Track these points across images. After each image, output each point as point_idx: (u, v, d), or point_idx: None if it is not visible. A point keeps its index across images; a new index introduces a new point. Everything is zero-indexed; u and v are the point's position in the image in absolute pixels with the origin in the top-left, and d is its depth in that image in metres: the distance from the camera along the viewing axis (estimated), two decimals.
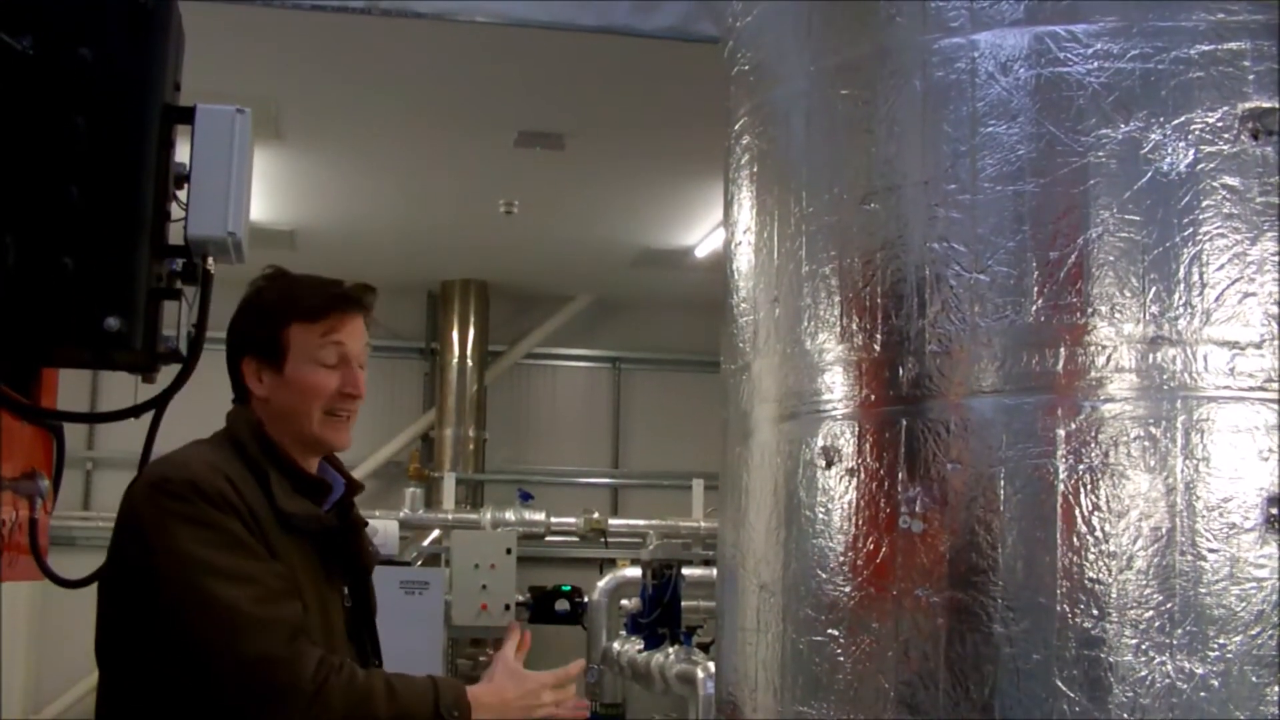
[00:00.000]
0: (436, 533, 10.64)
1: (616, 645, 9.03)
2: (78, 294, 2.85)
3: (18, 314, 2.86)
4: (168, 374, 3.11)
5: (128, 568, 2.60)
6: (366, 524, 2.91)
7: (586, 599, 10.05)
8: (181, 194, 3.03)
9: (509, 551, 9.83)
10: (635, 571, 9.34)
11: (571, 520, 10.78)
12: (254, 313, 2.79)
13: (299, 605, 2.50)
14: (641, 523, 11.02)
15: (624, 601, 9.66)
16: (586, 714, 2.73)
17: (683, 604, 8.44)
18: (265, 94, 7.28)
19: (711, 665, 6.81)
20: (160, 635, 2.50)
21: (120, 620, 2.61)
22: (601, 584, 9.93)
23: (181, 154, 3.02)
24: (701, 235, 9.92)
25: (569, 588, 10.35)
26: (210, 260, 3.07)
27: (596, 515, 10.82)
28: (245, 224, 3.06)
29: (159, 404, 3.15)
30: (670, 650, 7.84)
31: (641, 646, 8.36)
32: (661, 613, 8.33)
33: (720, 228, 3.16)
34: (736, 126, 2.97)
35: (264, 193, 8.94)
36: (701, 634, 8.73)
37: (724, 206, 3.08)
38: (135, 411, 3.16)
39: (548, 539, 10.86)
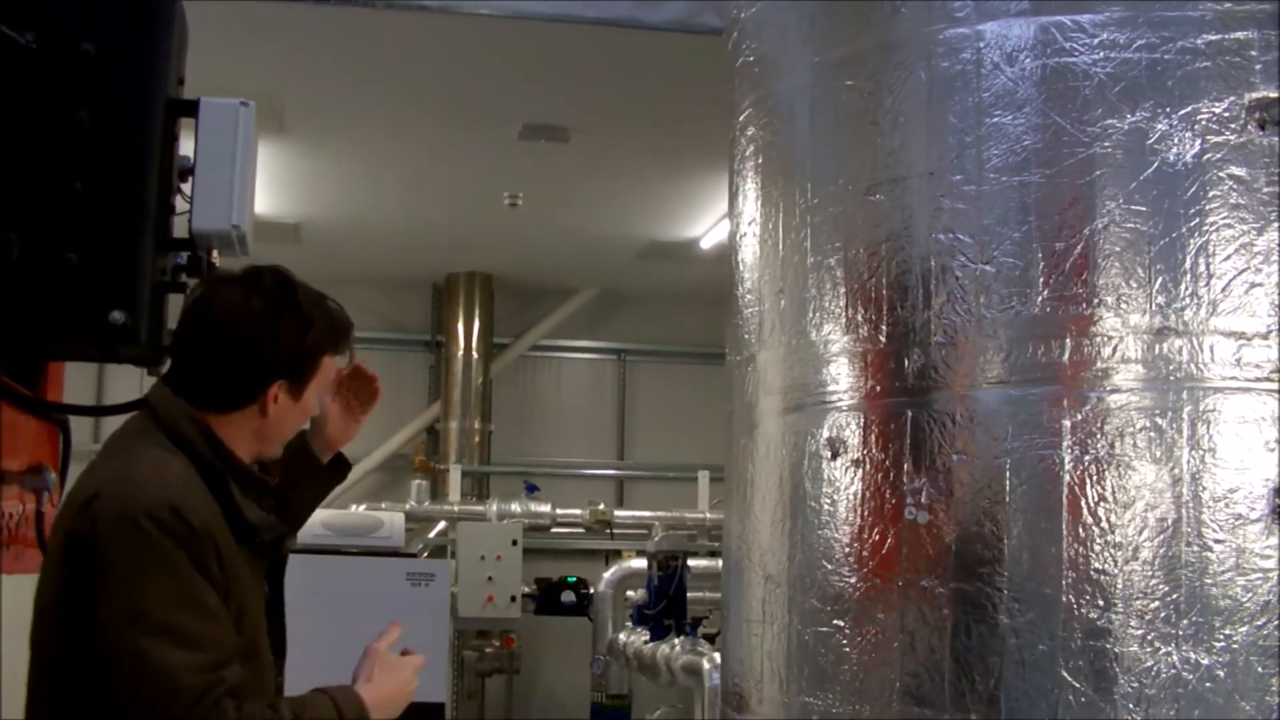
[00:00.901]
0: (442, 525, 10.64)
1: (622, 637, 9.02)
2: (82, 288, 2.85)
3: (23, 308, 2.86)
4: None
5: (76, 591, 2.42)
6: (273, 506, 2.77)
7: (592, 590, 10.05)
8: (186, 187, 3.03)
9: (515, 543, 9.83)
10: (641, 563, 9.34)
11: (577, 512, 10.78)
12: (294, 331, 2.63)
13: (239, 669, 2.38)
14: (647, 514, 11.01)
15: (629, 593, 9.65)
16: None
17: (688, 595, 8.43)
18: (269, 87, 7.26)
19: (717, 656, 6.82)
20: (93, 680, 2.40)
21: (56, 642, 2.47)
22: (607, 575, 9.92)
23: (185, 147, 3.02)
24: (706, 227, 9.90)
25: (575, 579, 10.35)
26: (215, 253, 3.07)
27: (602, 507, 10.82)
28: (249, 217, 3.06)
29: None
30: (676, 641, 7.84)
31: (647, 638, 8.36)
32: (667, 604, 8.33)
33: (725, 220, 3.16)
34: (741, 119, 2.96)
35: (268, 186, 8.93)
36: (707, 625, 8.72)
37: (729, 198, 3.08)
38: (143, 404, 3.16)
39: (553, 531, 10.86)
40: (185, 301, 2.71)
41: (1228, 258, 2.28)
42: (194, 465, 2.54)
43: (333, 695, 2.49)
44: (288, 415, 2.68)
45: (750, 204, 2.90)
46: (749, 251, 2.89)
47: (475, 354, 11.56)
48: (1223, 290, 2.27)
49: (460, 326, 11.57)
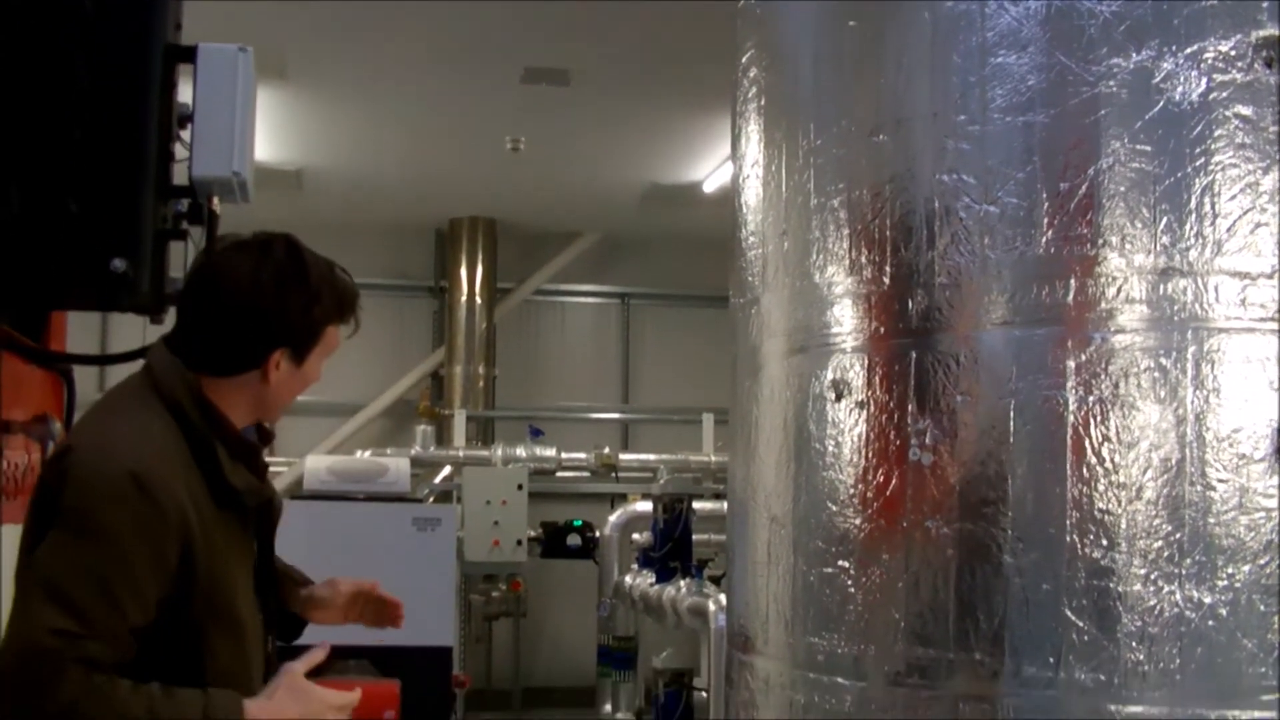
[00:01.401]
0: (448, 470, 10.69)
1: (628, 579, 9.07)
2: (83, 237, 2.85)
3: (23, 258, 2.86)
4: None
5: (33, 539, 2.45)
6: (268, 467, 2.77)
7: (598, 534, 10.11)
8: (185, 135, 3.02)
9: (520, 487, 9.88)
10: (646, 506, 9.38)
11: (582, 456, 10.83)
12: (301, 300, 2.61)
13: (104, 648, 2.33)
14: (652, 457, 11.06)
15: (635, 536, 9.70)
16: None
17: (694, 538, 8.47)
18: (269, 33, 7.23)
19: (723, 598, 6.85)
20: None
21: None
22: (613, 519, 9.97)
23: (184, 94, 3.01)
24: (709, 170, 9.88)
25: (580, 523, 10.41)
26: (216, 200, 3.07)
27: (607, 450, 10.86)
28: (250, 164, 3.06)
29: None
30: (682, 584, 7.88)
31: (653, 580, 8.40)
32: (673, 547, 8.37)
33: (728, 162, 3.15)
34: (743, 60, 2.94)
35: (269, 134, 8.91)
36: (713, 567, 8.78)
37: (731, 141, 3.06)
38: (144, 353, 3.17)
39: (559, 475, 10.92)
40: (193, 265, 2.69)
41: (1233, 197, 2.27)
42: (181, 428, 2.52)
43: (211, 697, 2.40)
44: (289, 382, 2.66)
45: (753, 146, 2.89)
46: (752, 194, 2.88)
47: (479, 299, 11.57)
48: (1228, 230, 2.26)
49: (463, 272, 11.57)
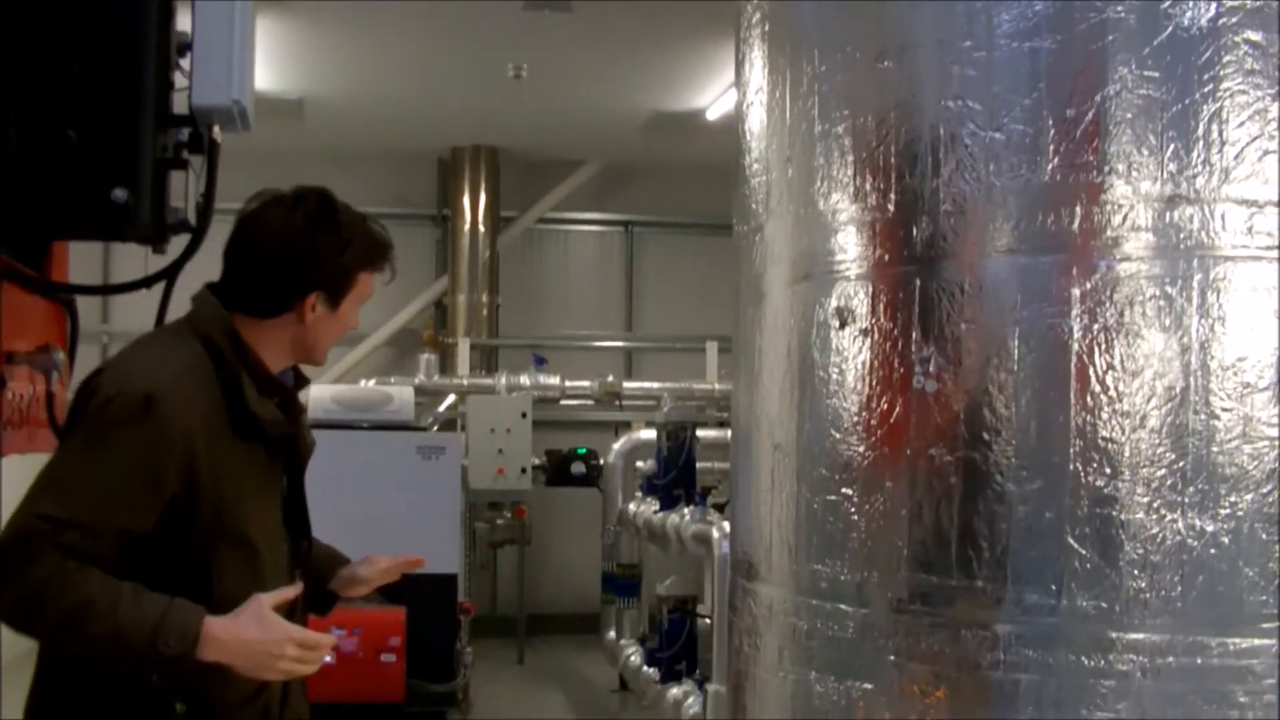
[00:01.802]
0: (452, 398, 10.71)
1: (632, 507, 9.12)
2: (83, 167, 2.84)
3: (24, 188, 2.85)
4: (178, 245, 3.11)
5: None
6: (304, 410, 2.95)
7: (602, 461, 10.14)
8: (185, 63, 3.00)
9: (524, 415, 9.90)
10: (650, 434, 9.41)
11: (586, 384, 10.84)
12: (333, 246, 2.76)
13: (82, 539, 2.47)
14: (656, 386, 11.08)
15: (639, 464, 9.74)
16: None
17: (697, 465, 8.50)
18: None
19: (726, 525, 6.89)
20: None
21: None
22: (617, 447, 10.00)
23: (183, 23, 2.98)
24: (713, 97, 9.82)
25: (584, 450, 10.44)
26: (216, 129, 3.05)
27: (611, 379, 10.87)
28: (250, 92, 3.04)
29: (170, 274, 3.15)
30: (686, 511, 7.92)
31: (657, 508, 8.45)
32: (676, 474, 8.41)
33: (731, 89, 3.12)
34: None
35: (270, 62, 8.85)
36: (716, 495, 8.81)
37: (735, 68, 3.04)
38: (147, 282, 3.16)
39: (562, 403, 10.93)
40: (237, 218, 2.80)
41: (1241, 124, 2.25)
42: (212, 360, 2.67)
43: (174, 604, 2.49)
44: (326, 325, 2.81)
45: (757, 73, 2.87)
46: (756, 121, 2.87)
47: (482, 228, 11.54)
48: (1235, 157, 2.25)
49: (466, 200, 11.54)
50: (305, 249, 2.73)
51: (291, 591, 2.69)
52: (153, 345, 2.76)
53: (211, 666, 2.50)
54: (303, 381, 2.94)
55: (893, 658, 2.42)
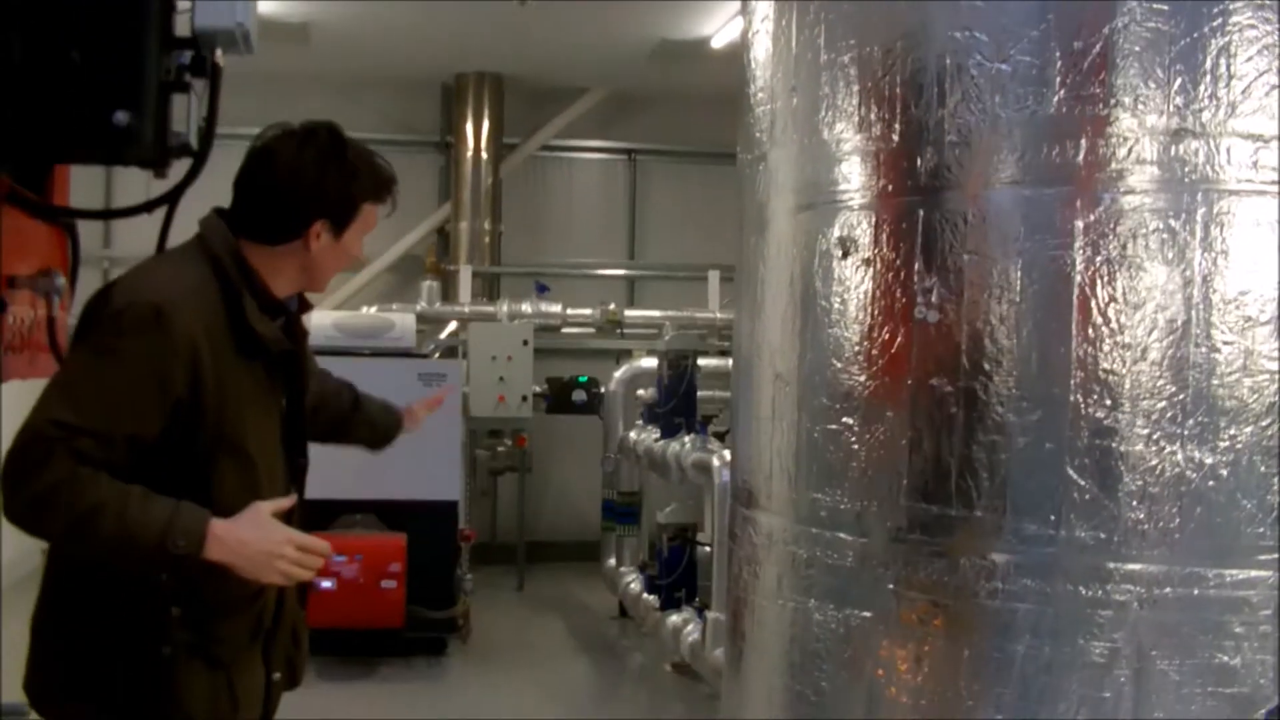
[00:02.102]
0: (453, 325, 10.70)
1: (633, 435, 9.14)
2: (86, 89, 2.83)
3: (26, 111, 2.84)
4: (180, 169, 3.10)
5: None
6: (307, 334, 3.08)
7: (603, 389, 10.15)
8: None
9: (526, 343, 9.90)
10: (651, 362, 9.41)
11: (588, 312, 10.82)
12: (339, 177, 2.85)
13: (95, 445, 2.57)
14: (657, 314, 11.06)
15: (640, 392, 9.75)
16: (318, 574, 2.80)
17: (698, 394, 8.51)
18: None
19: (727, 454, 6.91)
20: None
21: None
22: (618, 375, 10.00)
23: None
24: (719, 25, 9.75)
25: (586, 379, 10.45)
26: (219, 52, 3.04)
27: (613, 307, 10.86)
28: (253, 15, 3.02)
29: (172, 198, 3.15)
30: (686, 439, 7.94)
31: (658, 436, 8.46)
32: (677, 403, 8.42)
33: (737, 17, 3.10)
34: None
35: None
36: (717, 423, 8.83)
37: None
38: (149, 207, 3.16)
39: (564, 331, 10.92)
40: (248, 150, 2.88)
41: (1249, 59, 2.24)
42: (218, 279, 2.77)
43: (181, 507, 2.60)
44: (331, 253, 2.89)
45: (763, 1, 2.85)
46: (761, 49, 2.85)
47: (485, 155, 11.48)
48: (1243, 92, 2.24)
49: (470, 127, 11.47)
50: (313, 181, 2.82)
51: (287, 501, 2.78)
52: (163, 264, 2.87)
53: (213, 570, 2.61)
54: (306, 306, 3.04)
55: (891, 586, 2.44)
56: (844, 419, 2.53)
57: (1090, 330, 2.27)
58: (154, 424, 2.65)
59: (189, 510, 2.60)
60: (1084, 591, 2.27)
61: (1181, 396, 2.24)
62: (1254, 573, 2.23)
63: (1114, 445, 2.26)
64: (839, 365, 2.54)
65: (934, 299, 2.39)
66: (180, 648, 2.72)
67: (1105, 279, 2.27)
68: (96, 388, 2.63)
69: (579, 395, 10.34)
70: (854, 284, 2.52)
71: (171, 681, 2.72)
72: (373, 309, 10.17)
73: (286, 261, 2.86)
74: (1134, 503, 2.25)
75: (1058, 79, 2.30)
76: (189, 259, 2.81)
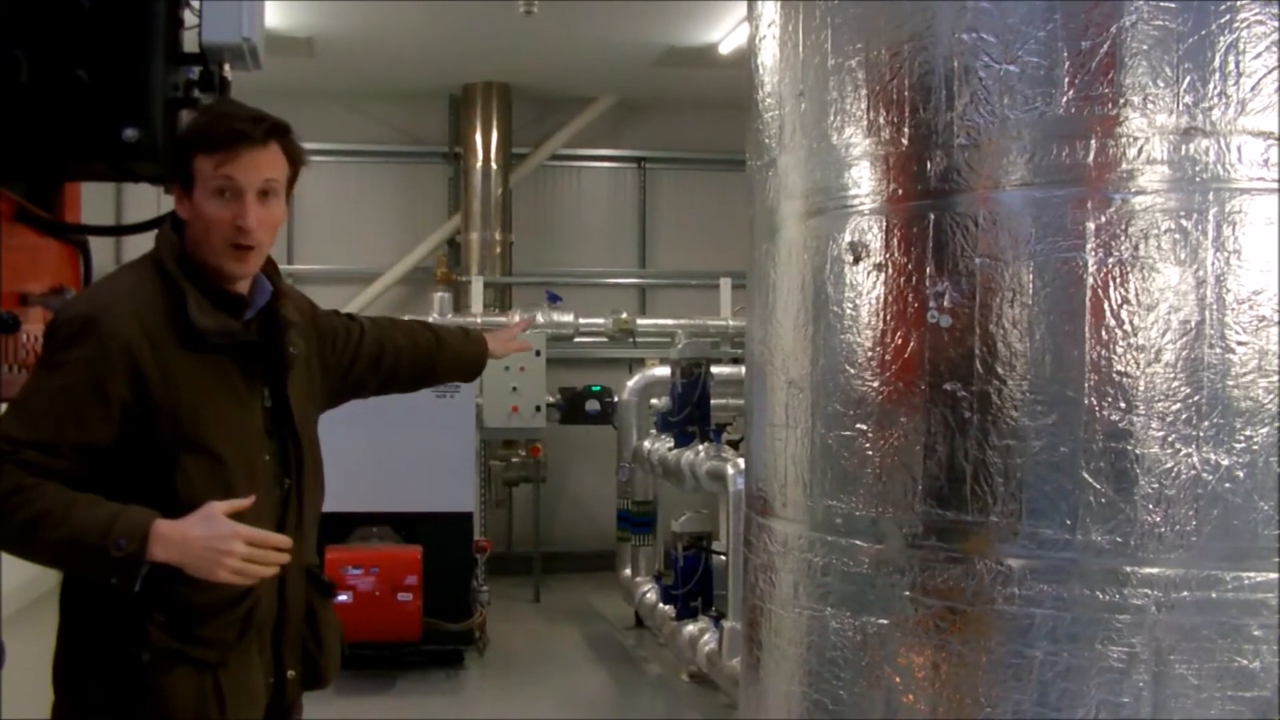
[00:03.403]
0: None
1: (647, 444, 9.13)
2: (94, 105, 2.83)
3: (35, 128, 2.84)
4: None
5: None
6: (292, 323, 2.96)
7: (616, 399, 10.15)
8: (194, 1, 2.99)
9: (538, 353, 9.90)
10: (664, 370, 9.41)
11: (600, 321, 10.82)
12: (175, 142, 2.82)
13: (38, 456, 2.62)
14: (670, 322, 11.06)
15: (654, 400, 9.75)
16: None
17: (712, 402, 8.51)
18: None
19: (741, 461, 6.90)
20: None
21: None
22: (631, 383, 10.01)
23: None
24: (725, 31, 9.75)
25: (599, 388, 10.45)
26: (227, 67, 3.04)
27: (625, 315, 10.86)
28: (260, 29, 3.02)
29: None
30: (700, 447, 7.94)
31: (672, 444, 8.46)
32: (691, 411, 8.42)
33: (744, 23, 3.10)
34: None
35: None
36: (731, 431, 8.83)
37: (748, 1, 3.02)
38: (159, 223, 3.17)
39: (576, 340, 10.92)
40: None
41: (1258, 55, 2.23)
42: (160, 279, 2.78)
43: (126, 509, 2.63)
44: (195, 221, 2.78)
45: (769, 6, 2.84)
46: (768, 55, 2.85)
47: (494, 165, 11.49)
48: (1252, 89, 2.23)
49: (478, 137, 11.49)
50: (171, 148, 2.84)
51: (244, 502, 2.73)
52: (105, 278, 2.89)
53: (181, 573, 2.63)
54: (280, 296, 2.94)
55: (907, 593, 2.43)
56: (858, 425, 2.52)
57: (1104, 332, 2.26)
58: (100, 431, 2.68)
59: (133, 511, 2.62)
60: (1101, 595, 2.26)
61: (1196, 398, 2.22)
62: (1272, 575, 2.22)
63: (1129, 448, 2.25)
64: (852, 371, 2.53)
65: (946, 303, 2.38)
66: (159, 653, 2.72)
67: (1118, 280, 2.25)
68: (38, 401, 2.68)
69: (592, 405, 10.34)
70: (866, 289, 2.51)
71: (153, 686, 2.73)
72: None
73: (192, 243, 2.79)
74: (1150, 506, 2.24)
75: (1066, 79, 2.29)
76: (133, 267, 2.84)
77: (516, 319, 10.35)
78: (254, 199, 2.75)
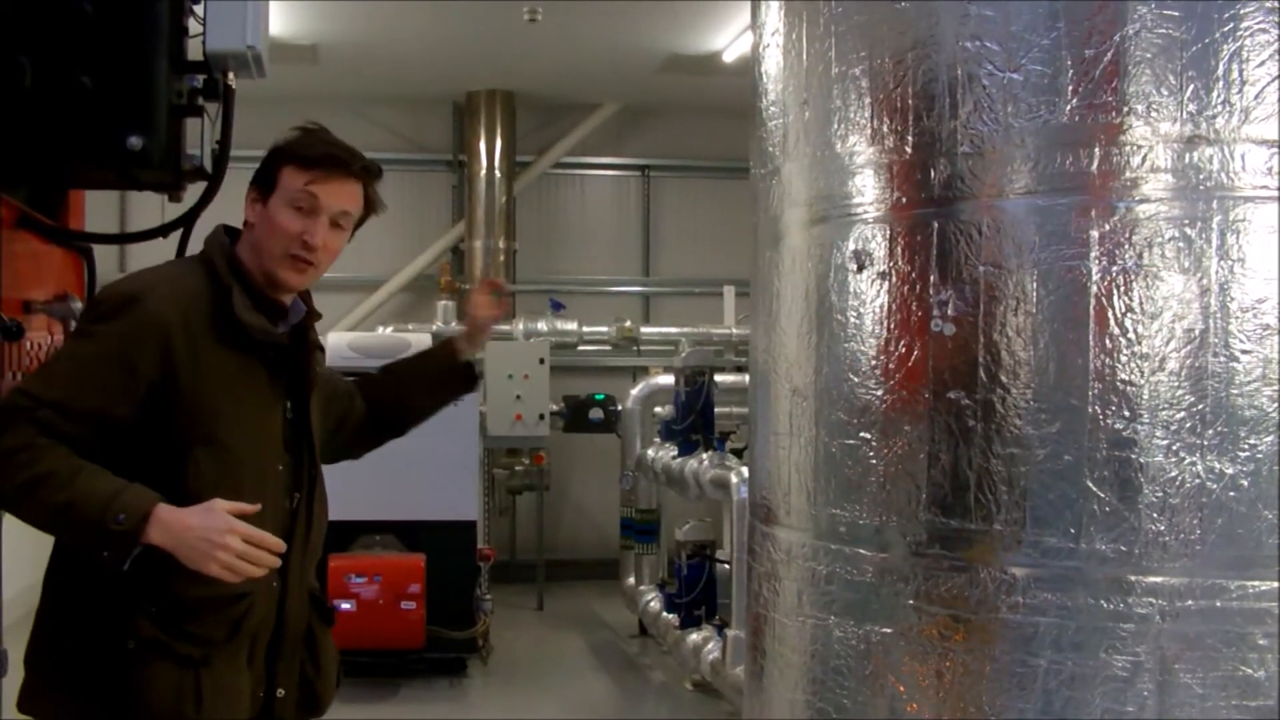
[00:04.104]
0: None
1: (651, 452, 9.12)
2: (98, 113, 2.84)
3: (39, 136, 2.85)
4: (195, 192, 3.11)
5: None
6: (322, 349, 3.07)
7: (620, 407, 10.14)
8: (199, 9, 2.99)
9: (542, 361, 9.89)
10: (668, 379, 9.40)
11: (604, 329, 10.82)
12: (270, 150, 2.87)
13: (56, 416, 2.65)
14: (673, 330, 11.06)
15: (657, 409, 9.74)
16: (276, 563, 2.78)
17: (715, 410, 8.50)
18: None
19: (745, 470, 6.89)
20: None
21: None
22: (635, 392, 10.00)
23: None
24: (729, 39, 9.75)
25: (602, 396, 10.45)
26: (231, 75, 3.04)
27: (628, 323, 10.86)
28: (265, 37, 3.03)
29: (187, 222, 3.16)
30: (704, 456, 7.92)
31: (675, 453, 8.45)
32: (694, 419, 8.40)
33: (748, 31, 3.10)
34: None
35: (284, 6, 8.81)
36: (735, 440, 8.82)
37: (751, 9, 3.02)
38: (164, 230, 3.17)
39: (580, 348, 10.93)
40: None
41: (1262, 63, 2.23)
42: (208, 275, 2.83)
43: (131, 486, 2.65)
44: (263, 225, 2.85)
45: (773, 14, 2.84)
46: (772, 63, 2.85)
47: (498, 172, 11.50)
48: (1256, 97, 2.23)
49: (482, 145, 11.49)
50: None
51: (250, 508, 2.74)
52: (153, 267, 2.92)
53: (175, 567, 2.64)
54: (314, 314, 3.01)
55: (911, 601, 2.42)
56: (862, 433, 2.52)
57: (1108, 341, 2.26)
58: (120, 404, 2.70)
59: (138, 490, 2.64)
60: (1105, 604, 2.25)
61: (1200, 406, 2.22)
62: (1276, 584, 2.21)
63: (1133, 456, 2.24)
64: (856, 379, 2.53)
65: (950, 311, 2.38)
66: (144, 644, 2.73)
67: (1122, 288, 2.25)
68: (66, 365, 2.75)
69: (596, 413, 10.34)
70: (869, 297, 2.51)
71: (133, 675, 2.73)
72: (388, 329, 10.20)
73: (249, 247, 2.87)
74: (1154, 514, 2.23)
75: (1070, 87, 2.29)
76: (181, 262, 2.92)
77: (521, 326, 10.35)
78: (326, 222, 2.84)
